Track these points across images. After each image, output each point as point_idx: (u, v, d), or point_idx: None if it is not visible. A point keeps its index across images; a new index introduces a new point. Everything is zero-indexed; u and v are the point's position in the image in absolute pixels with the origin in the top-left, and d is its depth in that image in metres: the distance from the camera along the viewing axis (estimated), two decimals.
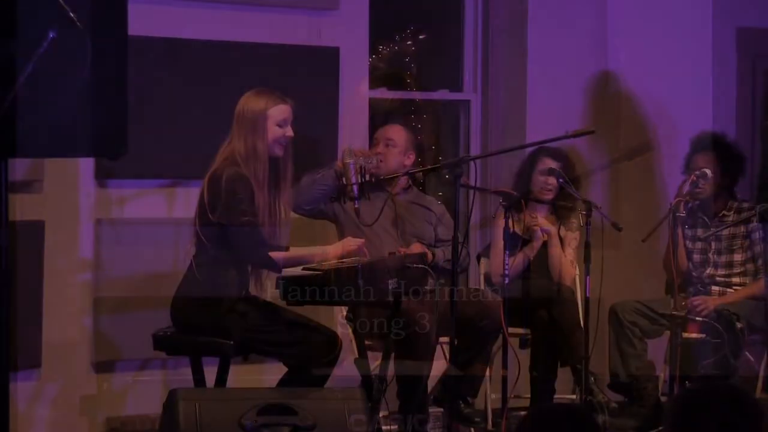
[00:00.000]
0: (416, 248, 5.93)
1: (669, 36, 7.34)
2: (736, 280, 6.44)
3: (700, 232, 6.47)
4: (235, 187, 5.18)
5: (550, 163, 6.29)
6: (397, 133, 6.21)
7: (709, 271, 6.45)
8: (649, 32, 7.31)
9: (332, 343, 5.32)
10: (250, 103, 5.34)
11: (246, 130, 5.28)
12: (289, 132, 5.36)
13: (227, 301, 5.24)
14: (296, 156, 5.46)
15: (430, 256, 5.90)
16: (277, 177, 5.37)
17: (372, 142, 6.28)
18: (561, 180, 6.17)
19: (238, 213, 5.16)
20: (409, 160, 6.20)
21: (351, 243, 5.39)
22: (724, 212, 6.46)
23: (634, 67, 7.29)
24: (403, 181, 6.14)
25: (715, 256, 6.45)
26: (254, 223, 5.18)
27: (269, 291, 5.33)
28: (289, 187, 5.45)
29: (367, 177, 5.82)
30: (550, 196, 6.32)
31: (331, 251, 5.33)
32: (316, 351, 5.23)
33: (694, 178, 6.28)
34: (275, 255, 5.20)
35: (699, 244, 6.50)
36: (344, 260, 5.39)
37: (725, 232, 6.37)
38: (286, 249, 5.37)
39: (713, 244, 6.44)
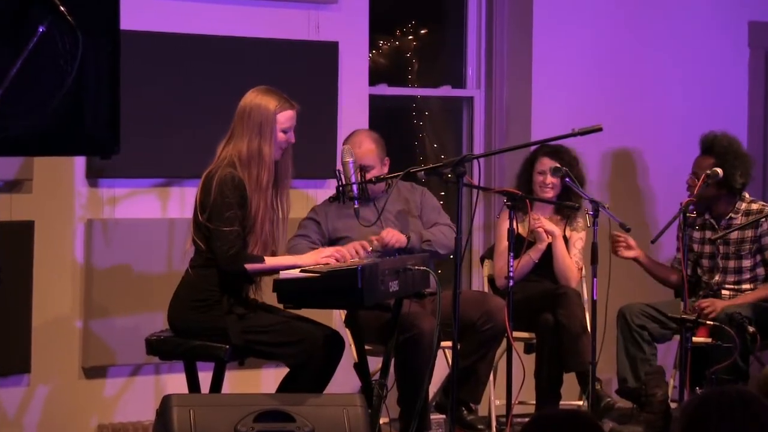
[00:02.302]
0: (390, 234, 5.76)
1: (679, 31, 7.26)
2: (746, 286, 6.37)
3: (708, 233, 6.39)
4: (224, 190, 5.08)
5: (548, 163, 6.20)
6: (368, 152, 5.84)
7: (717, 278, 6.36)
8: (658, 28, 7.23)
9: (334, 340, 5.22)
10: (258, 102, 5.18)
11: (251, 131, 5.14)
12: (292, 138, 5.24)
13: (226, 304, 5.15)
14: (295, 154, 5.36)
15: (405, 240, 5.74)
16: (277, 178, 5.26)
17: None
18: (568, 179, 6.06)
19: (224, 220, 5.07)
20: (386, 166, 5.97)
21: (325, 253, 5.25)
22: (732, 214, 6.37)
23: (643, 64, 7.20)
24: (381, 184, 5.90)
25: (723, 261, 6.37)
26: (236, 233, 5.06)
27: (267, 294, 5.21)
28: (289, 186, 5.33)
29: (367, 176, 5.67)
30: (550, 194, 6.22)
31: (302, 262, 5.18)
32: (319, 348, 5.12)
33: (704, 179, 6.19)
34: (250, 267, 5.09)
35: (707, 248, 6.41)
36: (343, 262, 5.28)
37: (733, 235, 6.29)
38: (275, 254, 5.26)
39: (721, 248, 6.36)
